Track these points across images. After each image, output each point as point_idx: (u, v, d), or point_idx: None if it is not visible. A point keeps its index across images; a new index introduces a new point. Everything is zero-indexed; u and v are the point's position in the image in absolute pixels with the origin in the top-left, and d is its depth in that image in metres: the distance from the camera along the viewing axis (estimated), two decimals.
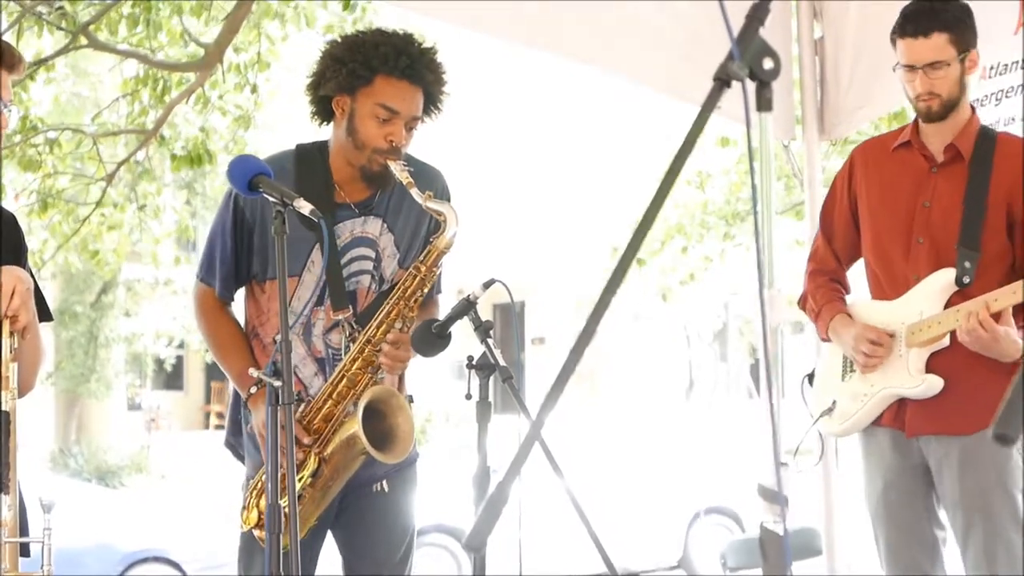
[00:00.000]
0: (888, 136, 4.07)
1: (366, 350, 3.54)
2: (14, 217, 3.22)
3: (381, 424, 3.54)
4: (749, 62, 1.95)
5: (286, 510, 3.05)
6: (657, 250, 12.16)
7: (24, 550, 2.91)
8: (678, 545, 11.95)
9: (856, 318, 3.95)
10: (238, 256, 3.67)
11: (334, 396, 3.54)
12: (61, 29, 7.68)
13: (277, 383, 3.08)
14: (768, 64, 1.96)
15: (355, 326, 3.60)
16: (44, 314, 3.15)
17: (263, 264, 3.66)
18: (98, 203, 8.98)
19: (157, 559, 9.74)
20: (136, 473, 21.54)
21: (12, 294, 2.89)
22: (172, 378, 27.91)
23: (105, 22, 7.94)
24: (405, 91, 3.56)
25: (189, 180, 20.27)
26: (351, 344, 3.59)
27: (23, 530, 2.97)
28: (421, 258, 3.59)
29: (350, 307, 3.61)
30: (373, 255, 3.66)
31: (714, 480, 12.25)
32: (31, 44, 8.13)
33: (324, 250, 3.50)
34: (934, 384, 3.78)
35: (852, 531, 4.93)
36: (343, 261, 3.63)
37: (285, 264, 3.12)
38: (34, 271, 3.15)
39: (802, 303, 4.11)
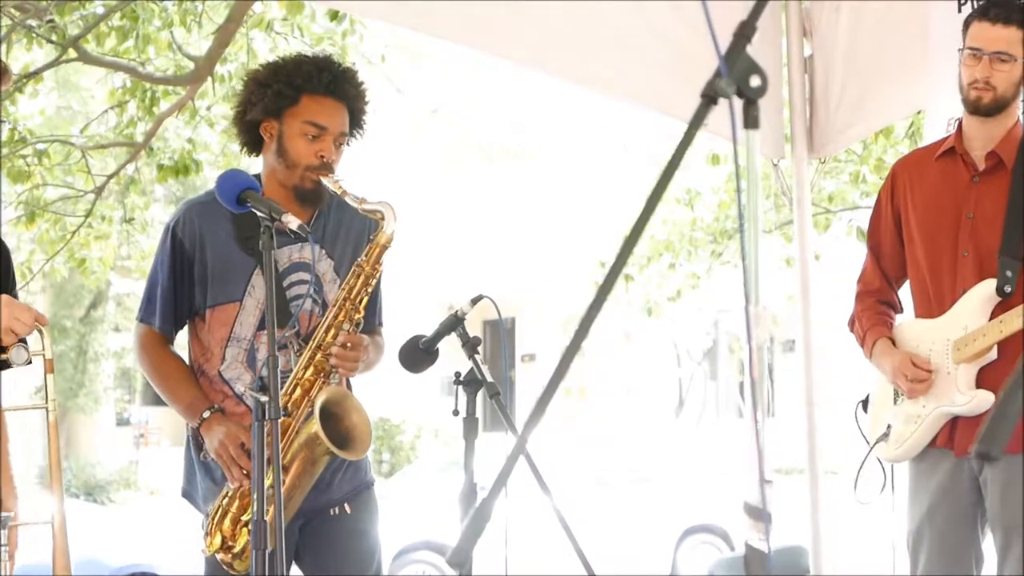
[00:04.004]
0: (931, 147, 3.99)
1: (317, 356, 3.54)
2: (1, 241, 3.22)
3: (339, 425, 3.53)
4: (736, 79, 1.95)
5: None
6: (644, 265, 12.15)
7: None
8: (667, 563, 11.93)
9: (900, 341, 3.86)
10: (177, 291, 3.67)
11: (289, 406, 3.52)
12: (51, 42, 7.67)
13: (264, 398, 3.07)
14: (755, 82, 1.96)
15: (301, 344, 3.59)
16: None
17: (204, 293, 3.66)
18: (87, 215, 8.95)
19: (145, 575, 9.72)
20: (124, 488, 21.49)
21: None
22: None
23: (94, 35, 7.93)
24: (330, 107, 3.62)
25: (180, 195, 20.24)
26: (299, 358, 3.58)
27: None
28: (363, 256, 3.59)
29: (296, 326, 3.60)
30: (313, 280, 3.66)
31: (703, 498, 12.24)
32: (21, 57, 8.12)
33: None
34: (984, 399, 3.66)
35: (839, 550, 4.92)
36: (284, 285, 3.63)
37: (272, 278, 3.12)
38: (19, 283, 3.16)
39: (850, 325, 4.02)
